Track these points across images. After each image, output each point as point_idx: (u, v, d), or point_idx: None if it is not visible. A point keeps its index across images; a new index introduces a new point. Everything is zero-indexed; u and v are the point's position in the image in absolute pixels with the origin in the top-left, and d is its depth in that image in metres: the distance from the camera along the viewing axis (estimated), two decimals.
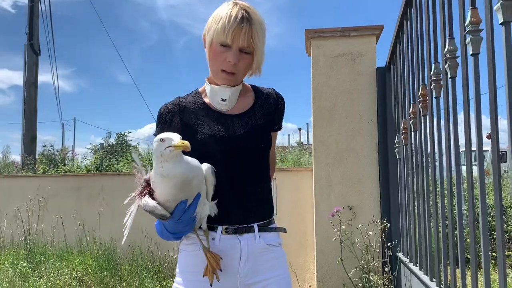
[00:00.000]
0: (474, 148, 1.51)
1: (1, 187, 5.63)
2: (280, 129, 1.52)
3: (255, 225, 1.32)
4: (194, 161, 1.18)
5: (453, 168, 1.79)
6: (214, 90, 1.38)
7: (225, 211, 1.30)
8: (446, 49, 1.71)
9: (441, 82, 1.85)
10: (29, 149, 10.52)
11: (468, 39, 1.45)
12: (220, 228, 1.30)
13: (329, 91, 3.59)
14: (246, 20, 1.27)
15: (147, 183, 1.18)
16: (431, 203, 2.13)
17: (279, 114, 1.48)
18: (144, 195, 1.17)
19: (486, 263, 1.44)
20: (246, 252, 1.29)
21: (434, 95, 1.95)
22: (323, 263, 3.50)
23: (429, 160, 2.17)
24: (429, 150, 2.14)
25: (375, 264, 3.22)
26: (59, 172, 6.32)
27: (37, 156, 9.86)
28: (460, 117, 1.64)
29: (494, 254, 3.79)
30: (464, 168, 2.03)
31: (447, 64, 1.70)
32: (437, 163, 2.03)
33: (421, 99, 2.18)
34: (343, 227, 3.32)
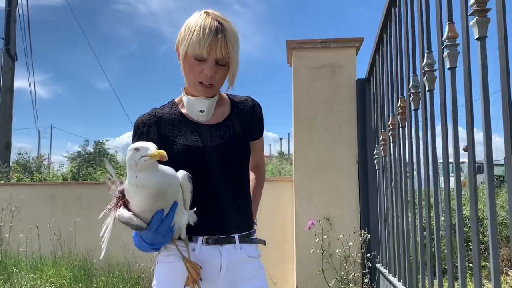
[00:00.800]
0: (451, 159, 1.54)
1: None
2: (261, 136, 1.50)
3: (236, 236, 1.31)
4: (169, 169, 1.16)
5: (431, 179, 1.81)
6: (191, 101, 1.36)
7: (205, 222, 1.28)
8: (424, 63, 1.74)
9: (420, 94, 1.89)
10: (3, 157, 10.27)
11: (445, 53, 1.48)
12: (200, 238, 1.28)
13: (309, 101, 3.61)
14: (220, 32, 1.24)
15: (122, 194, 1.15)
16: (409, 214, 2.15)
17: (256, 120, 1.46)
18: (119, 206, 1.14)
19: (463, 273, 1.46)
20: (226, 263, 1.28)
21: (412, 107, 1.98)
22: (302, 274, 3.49)
23: (407, 171, 2.20)
24: (407, 161, 2.16)
25: (355, 275, 3.23)
26: (34, 181, 6.18)
27: (11, 164, 9.62)
28: (438, 129, 1.67)
29: (470, 264, 3.84)
30: (441, 179, 2.06)
31: (425, 77, 1.73)
32: (415, 174, 2.06)
33: (400, 111, 2.21)
34: (325, 237, 3.33)
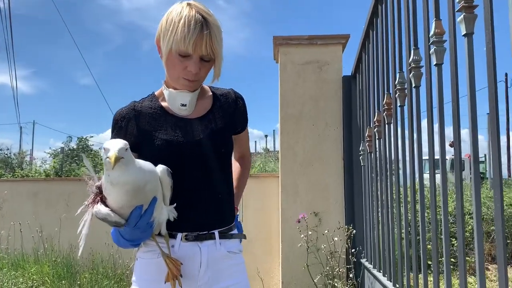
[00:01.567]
0: (437, 156, 1.55)
1: None
2: (244, 129, 1.48)
3: (216, 232, 1.30)
4: (146, 164, 1.14)
5: (416, 175, 1.82)
6: (173, 94, 1.32)
7: (185, 218, 1.26)
8: (410, 59, 1.76)
9: (406, 91, 1.90)
10: None
11: (432, 50, 1.49)
12: (179, 235, 1.26)
13: (296, 98, 3.61)
14: (205, 27, 1.20)
15: (99, 190, 1.13)
16: (394, 210, 2.17)
17: (239, 114, 1.43)
18: (97, 202, 1.12)
19: (447, 268, 1.48)
20: (206, 260, 1.27)
21: (398, 104, 2.00)
22: (288, 269, 3.50)
23: (393, 167, 2.21)
24: (393, 158, 2.18)
25: (340, 270, 3.25)
26: (16, 177, 6.06)
27: None
28: (424, 125, 1.68)
29: (453, 260, 3.90)
30: (426, 175, 2.08)
31: (411, 74, 1.74)
32: (400, 171, 2.07)
33: (386, 107, 2.22)
34: (309, 233, 3.34)
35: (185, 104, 1.31)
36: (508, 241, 5.22)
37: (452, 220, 4.49)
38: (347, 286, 3.18)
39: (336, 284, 3.17)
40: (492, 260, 5.36)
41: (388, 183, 2.27)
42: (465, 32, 1.24)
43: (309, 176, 3.55)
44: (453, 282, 3.50)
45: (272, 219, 4.02)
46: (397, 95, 1.98)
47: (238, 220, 1.46)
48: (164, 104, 1.35)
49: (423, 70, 1.67)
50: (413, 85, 1.74)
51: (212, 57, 1.26)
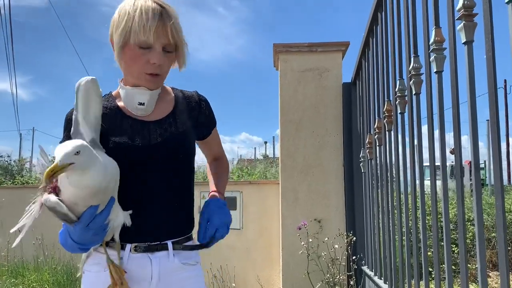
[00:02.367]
0: (437, 163, 1.55)
1: None
2: (210, 132, 1.39)
3: (169, 242, 1.20)
4: (109, 163, 1.04)
5: (417, 182, 1.83)
6: (129, 93, 1.21)
7: (136, 227, 1.16)
8: (410, 66, 1.76)
9: (406, 98, 1.91)
10: None
11: (432, 57, 1.50)
12: (129, 246, 1.17)
13: (296, 104, 3.62)
14: (166, 15, 1.13)
15: (56, 179, 1.01)
16: (395, 216, 2.17)
17: (204, 117, 1.35)
18: (48, 191, 1.02)
19: (449, 275, 1.47)
20: (157, 273, 1.17)
21: (398, 111, 2.00)
22: (289, 276, 3.49)
23: (393, 174, 2.22)
24: (393, 164, 2.18)
25: (341, 277, 3.24)
26: (16, 184, 6.06)
27: None
28: (424, 132, 1.69)
29: (454, 267, 3.90)
30: (427, 182, 2.08)
31: (411, 81, 1.75)
32: (401, 177, 2.07)
33: (386, 114, 2.23)
34: (310, 240, 3.33)
35: (143, 103, 1.20)
36: (509, 248, 5.21)
37: (453, 226, 4.48)
38: None
39: None
40: (493, 267, 5.34)
41: (389, 190, 2.27)
42: (465, 40, 1.25)
43: (310, 183, 3.55)
44: None
45: (272, 226, 4.01)
46: (397, 102, 1.99)
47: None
48: (120, 104, 1.25)
49: (423, 77, 1.68)
50: (414, 92, 1.75)
51: (175, 46, 1.18)
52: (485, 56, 1.10)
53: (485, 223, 5.55)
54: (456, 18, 1.30)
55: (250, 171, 6.05)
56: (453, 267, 1.55)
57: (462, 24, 1.25)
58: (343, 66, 3.65)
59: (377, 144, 2.52)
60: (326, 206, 3.53)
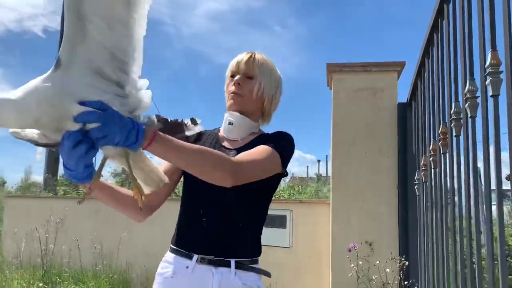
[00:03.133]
0: (493, 187, 1.51)
1: (22, 207, 5.75)
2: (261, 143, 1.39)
3: (233, 261, 1.26)
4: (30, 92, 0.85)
5: (472, 207, 1.77)
6: (225, 116, 1.45)
7: (203, 240, 1.25)
8: (466, 89, 1.73)
9: (461, 121, 1.86)
10: (52, 170, 10.71)
11: (488, 81, 1.47)
12: (196, 256, 1.25)
13: (349, 125, 3.61)
14: (251, 53, 1.44)
15: None
16: (450, 241, 2.10)
17: (266, 138, 1.40)
18: None
19: None
20: (218, 286, 1.23)
21: (454, 134, 1.96)
22: None
23: (448, 197, 2.15)
24: (448, 188, 2.12)
25: None
26: (79, 195, 6.43)
27: (59, 177, 10.04)
28: (480, 156, 1.64)
29: None
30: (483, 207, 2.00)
31: (467, 104, 1.71)
32: (456, 201, 2.01)
33: (441, 137, 2.18)
34: (360, 262, 3.27)
35: (232, 122, 1.41)
36: None
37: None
38: None
39: None
40: None
41: (443, 214, 2.20)
42: None
43: (362, 204, 3.50)
44: None
45: (323, 246, 3.97)
46: (452, 124, 1.95)
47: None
48: (220, 133, 1.47)
49: (479, 100, 1.65)
50: (469, 115, 1.71)
51: (253, 74, 1.41)
52: None
53: None
54: None
55: (302, 190, 6.03)
56: None
57: None
58: (398, 86, 3.60)
59: (432, 167, 2.46)
60: (379, 228, 3.46)
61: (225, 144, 1.43)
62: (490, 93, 1.46)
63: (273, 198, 1.48)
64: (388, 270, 3.23)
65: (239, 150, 1.34)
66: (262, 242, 1.41)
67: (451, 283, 2.09)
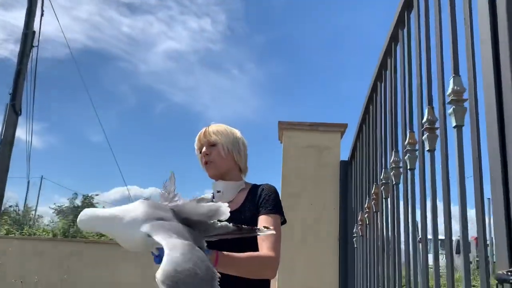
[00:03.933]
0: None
1: None
2: (258, 214, 1.59)
3: None
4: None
5: (411, 258, 1.96)
6: (212, 186, 1.70)
7: None
8: (391, 159, 1.99)
9: (390, 185, 2.11)
10: None
11: (406, 156, 1.72)
12: None
13: (297, 178, 3.85)
14: (205, 128, 1.71)
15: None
16: None
17: (260, 199, 1.62)
18: None
19: None
20: None
21: (383, 196, 2.21)
22: None
23: (385, 251, 2.31)
24: (384, 243, 2.30)
25: None
26: (24, 234, 6.22)
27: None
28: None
29: None
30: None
31: (392, 173, 1.97)
32: (390, 256, 2.20)
33: (374, 197, 2.43)
34: None
35: (220, 191, 1.64)
36: None
37: None
38: None
39: None
40: None
41: (379, 271, 2.33)
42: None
43: (307, 254, 3.69)
44: None
45: None
46: (382, 188, 2.20)
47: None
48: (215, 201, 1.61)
49: (401, 170, 1.89)
50: (393, 182, 1.96)
51: (215, 142, 1.65)
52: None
53: None
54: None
55: None
56: None
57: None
58: (342, 145, 3.91)
59: (367, 223, 2.70)
60: (321, 278, 3.63)
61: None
62: (408, 166, 1.71)
63: None
64: None
65: (232, 213, 1.35)
66: None
67: None
